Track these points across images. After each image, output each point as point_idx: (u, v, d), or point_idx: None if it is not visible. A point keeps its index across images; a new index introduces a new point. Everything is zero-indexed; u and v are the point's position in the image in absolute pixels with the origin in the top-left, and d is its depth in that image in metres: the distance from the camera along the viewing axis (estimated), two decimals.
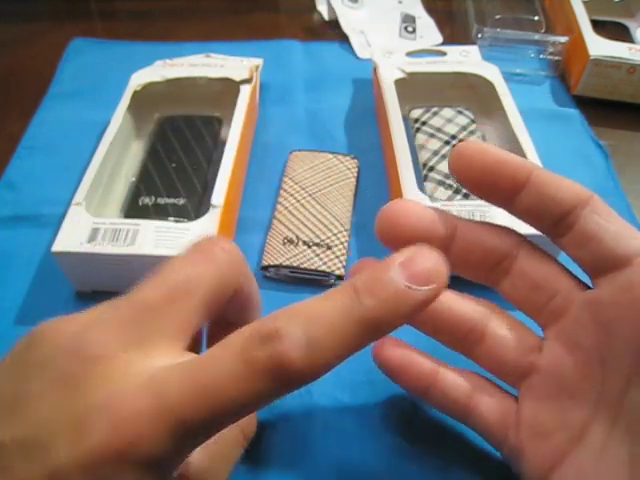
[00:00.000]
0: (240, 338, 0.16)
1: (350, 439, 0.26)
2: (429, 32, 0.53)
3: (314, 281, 0.32)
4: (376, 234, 0.21)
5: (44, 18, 0.55)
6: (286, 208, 0.35)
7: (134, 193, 0.34)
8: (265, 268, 0.32)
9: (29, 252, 0.34)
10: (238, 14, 0.56)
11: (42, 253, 0.33)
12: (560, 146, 0.41)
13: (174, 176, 0.35)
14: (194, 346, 0.20)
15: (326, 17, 0.54)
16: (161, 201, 0.33)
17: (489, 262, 0.21)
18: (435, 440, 0.26)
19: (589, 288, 0.20)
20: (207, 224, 0.30)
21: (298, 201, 0.35)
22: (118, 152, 0.36)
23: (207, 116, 0.39)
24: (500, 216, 0.29)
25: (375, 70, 0.42)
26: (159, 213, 0.33)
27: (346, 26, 0.52)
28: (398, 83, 0.40)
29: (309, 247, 0.32)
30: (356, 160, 0.38)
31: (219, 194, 0.31)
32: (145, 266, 0.29)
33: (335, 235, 0.33)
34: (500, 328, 0.22)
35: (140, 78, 0.39)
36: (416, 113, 0.40)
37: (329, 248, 0.32)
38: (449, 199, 0.33)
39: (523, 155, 0.34)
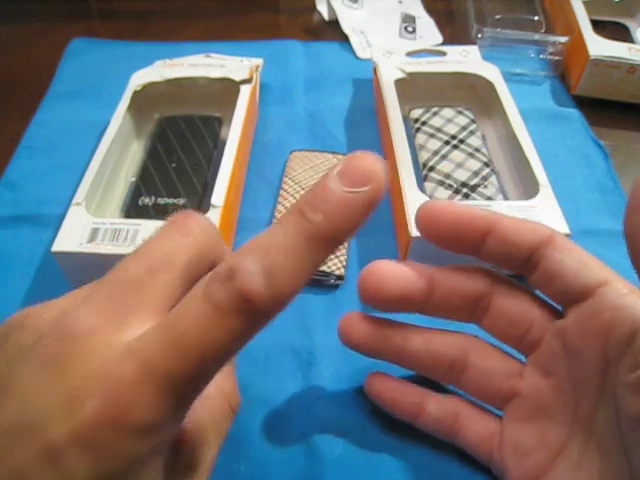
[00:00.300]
0: (201, 287, 0.16)
1: (350, 438, 0.26)
2: (429, 32, 0.53)
3: (314, 281, 0.32)
4: (360, 297, 0.23)
5: (44, 18, 0.55)
6: (286, 208, 0.35)
7: (134, 193, 0.34)
8: None
9: (29, 252, 0.34)
10: (238, 14, 0.56)
11: (42, 253, 0.33)
12: (560, 146, 0.41)
13: (174, 176, 0.35)
14: None
15: (326, 17, 0.54)
16: (161, 201, 0.33)
17: (468, 304, 0.23)
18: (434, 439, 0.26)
19: (563, 315, 0.22)
20: None
21: None
22: (118, 152, 0.36)
23: (207, 116, 0.39)
24: (498, 209, 0.29)
25: (375, 70, 0.42)
26: (159, 213, 0.33)
27: (346, 26, 0.53)
28: (398, 83, 0.40)
29: None
30: None
31: (219, 194, 0.31)
32: None
33: None
34: (481, 358, 0.23)
35: (140, 78, 0.40)
36: (416, 113, 0.40)
37: None
38: (449, 199, 0.33)
39: (523, 155, 0.34)
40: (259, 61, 0.43)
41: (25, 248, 0.34)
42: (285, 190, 0.36)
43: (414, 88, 0.41)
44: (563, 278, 0.20)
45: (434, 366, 0.24)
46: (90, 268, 0.30)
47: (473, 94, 0.42)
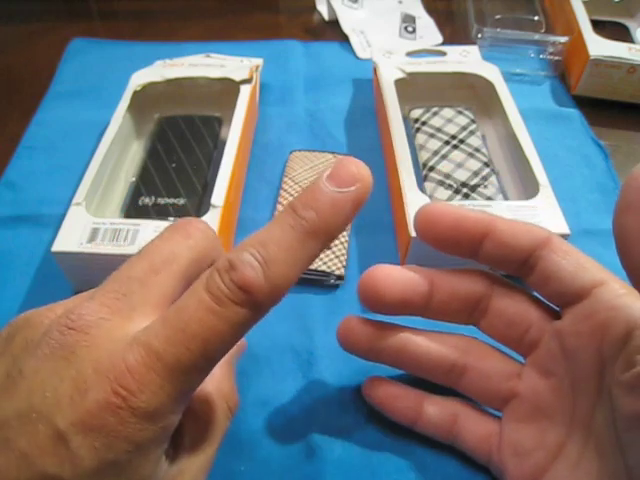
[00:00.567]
0: (202, 280, 0.17)
1: (350, 436, 0.26)
2: (429, 32, 0.53)
3: (314, 281, 0.32)
4: (360, 302, 0.23)
5: (44, 18, 0.55)
6: None
7: (134, 193, 0.34)
8: None
9: (29, 252, 0.34)
10: (238, 14, 0.56)
11: (42, 253, 0.33)
12: (560, 146, 0.41)
13: (174, 176, 0.35)
14: None
15: (326, 17, 0.54)
16: (161, 201, 0.33)
17: (467, 306, 0.23)
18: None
19: (559, 315, 0.22)
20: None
21: None
22: (118, 152, 0.36)
23: (207, 116, 0.39)
24: (498, 209, 0.29)
25: (375, 70, 0.42)
26: (159, 213, 0.33)
27: (346, 26, 0.53)
28: (398, 83, 0.40)
29: None
30: None
31: (219, 194, 0.31)
32: None
33: None
34: (481, 360, 0.24)
35: (140, 78, 0.40)
36: (416, 113, 0.40)
37: (329, 248, 0.32)
38: (449, 199, 0.33)
39: (523, 155, 0.34)
40: (259, 61, 0.43)
41: (25, 248, 0.34)
42: (285, 190, 0.36)
43: (414, 88, 0.41)
44: (560, 279, 0.21)
45: (434, 368, 0.24)
46: (90, 268, 0.30)
47: (473, 94, 0.42)
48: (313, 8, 0.56)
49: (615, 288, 0.20)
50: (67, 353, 0.17)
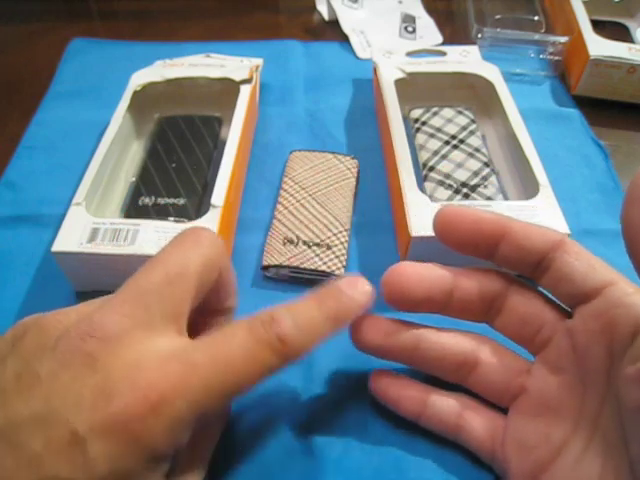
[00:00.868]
0: (247, 322, 0.20)
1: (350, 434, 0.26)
2: (429, 32, 0.53)
3: (314, 281, 0.32)
4: (384, 299, 0.23)
5: (44, 18, 0.55)
6: (286, 208, 0.35)
7: (134, 193, 0.34)
8: (265, 268, 0.32)
9: (29, 252, 0.34)
10: (238, 14, 0.56)
11: (42, 253, 0.33)
12: (560, 146, 0.41)
13: (174, 176, 0.35)
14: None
15: (326, 17, 0.54)
16: (161, 201, 0.33)
17: (485, 305, 0.24)
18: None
19: (571, 315, 0.22)
20: (207, 224, 0.30)
21: (298, 201, 0.35)
22: (118, 152, 0.36)
23: (207, 116, 0.39)
24: (498, 209, 0.29)
25: (375, 70, 0.42)
26: (159, 213, 0.33)
27: (346, 26, 0.53)
28: (398, 83, 0.40)
29: (309, 247, 0.32)
30: (356, 160, 0.38)
31: (219, 194, 0.31)
32: None
33: (335, 235, 0.33)
34: (491, 356, 0.24)
35: (140, 78, 0.39)
36: (416, 113, 0.40)
37: (329, 248, 0.32)
38: (449, 199, 0.33)
39: (523, 155, 0.34)
40: (259, 61, 0.43)
41: (25, 248, 0.34)
42: (285, 190, 0.36)
43: (414, 88, 0.41)
44: (572, 280, 0.21)
45: (446, 364, 0.24)
46: (90, 268, 0.30)
47: (473, 94, 0.42)
48: (313, 8, 0.56)
49: (624, 288, 0.20)
50: (90, 360, 0.17)
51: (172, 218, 0.32)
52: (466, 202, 0.33)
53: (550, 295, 0.23)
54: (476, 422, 0.24)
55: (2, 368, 0.18)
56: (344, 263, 0.32)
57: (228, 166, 0.33)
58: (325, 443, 0.26)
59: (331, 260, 0.32)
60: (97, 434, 0.16)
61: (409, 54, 0.44)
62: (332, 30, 0.53)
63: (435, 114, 0.39)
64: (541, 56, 0.48)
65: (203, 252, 0.21)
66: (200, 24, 0.55)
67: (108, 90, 0.43)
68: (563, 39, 0.46)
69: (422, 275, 0.23)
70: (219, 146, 0.37)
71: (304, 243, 0.33)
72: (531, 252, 0.22)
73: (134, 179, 0.36)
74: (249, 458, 0.25)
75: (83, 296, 0.31)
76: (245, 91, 0.39)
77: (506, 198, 0.34)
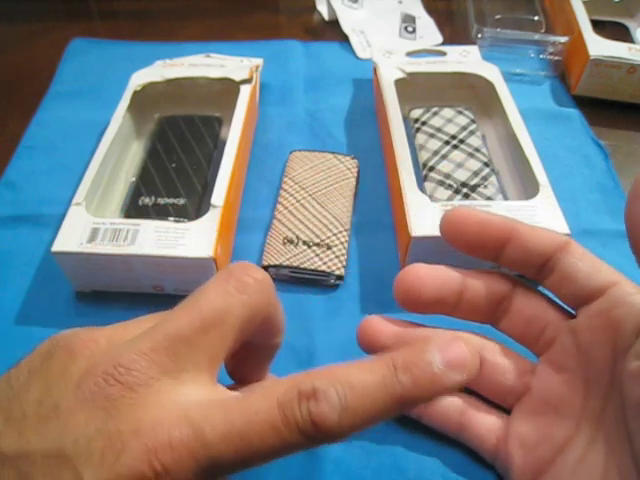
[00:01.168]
0: (280, 390, 0.17)
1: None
2: (429, 32, 0.53)
3: (314, 281, 0.32)
4: (396, 300, 0.23)
5: (44, 18, 0.55)
6: (286, 208, 0.35)
7: (134, 193, 0.34)
8: (265, 268, 0.32)
9: (29, 252, 0.34)
10: (238, 14, 0.56)
11: (42, 253, 0.33)
12: (560, 146, 0.41)
13: (174, 176, 0.35)
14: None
15: (326, 17, 0.54)
16: (161, 201, 0.33)
17: (492, 306, 0.24)
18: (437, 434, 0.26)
19: (574, 316, 0.23)
20: (207, 224, 0.30)
21: (298, 201, 0.35)
22: (118, 152, 0.36)
23: (207, 116, 0.39)
24: (498, 209, 0.29)
25: (375, 70, 0.42)
26: (159, 213, 0.33)
27: (346, 26, 0.52)
28: (398, 83, 0.40)
29: (309, 247, 0.32)
30: (356, 160, 0.38)
31: (219, 194, 0.31)
32: (145, 266, 0.29)
33: (335, 235, 0.33)
34: (497, 356, 0.24)
35: (140, 78, 0.39)
36: (416, 113, 0.40)
37: (329, 248, 0.32)
38: (449, 199, 0.33)
39: (523, 155, 0.34)
40: (259, 61, 0.43)
41: (25, 248, 0.34)
42: (285, 190, 0.36)
43: (414, 88, 0.41)
44: (576, 280, 0.22)
45: None
46: (90, 268, 0.30)
47: (473, 94, 0.42)
48: (313, 8, 0.56)
49: (627, 288, 0.21)
50: (108, 405, 0.16)
51: (172, 218, 0.32)
52: (466, 202, 0.33)
53: (552, 296, 0.23)
54: (479, 420, 0.24)
55: (28, 387, 0.17)
56: (344, 263, 0.32)
57: (228, 166, 0.33)
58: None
59: (331, 260, 0.32)
60: None
61: (409, 54, 0.44)
62: (332, 30, 0.53)
63: (435, 114, 0.39)
64: (541, 56, 0.48)
65: (247, 301, 0.19)
66: (200, 24, 0.55)
67: (108, 90, 0.43)
68: (563, 39, 0.46)
69: (435, 276, 0.23)
70: (219, 146, 0.37)
71: (304, 243, 0.33)
72: (537, 254, 0.22)
73: (134, 179, 0.36)
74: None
75: (83, 296, 0.32)
76: (245, 91, 0.39)
77: (506, 198, 0.34)
